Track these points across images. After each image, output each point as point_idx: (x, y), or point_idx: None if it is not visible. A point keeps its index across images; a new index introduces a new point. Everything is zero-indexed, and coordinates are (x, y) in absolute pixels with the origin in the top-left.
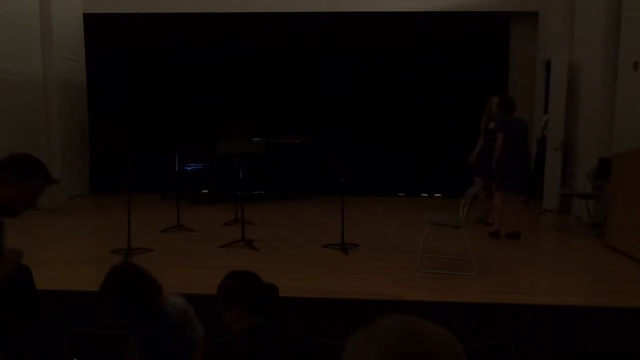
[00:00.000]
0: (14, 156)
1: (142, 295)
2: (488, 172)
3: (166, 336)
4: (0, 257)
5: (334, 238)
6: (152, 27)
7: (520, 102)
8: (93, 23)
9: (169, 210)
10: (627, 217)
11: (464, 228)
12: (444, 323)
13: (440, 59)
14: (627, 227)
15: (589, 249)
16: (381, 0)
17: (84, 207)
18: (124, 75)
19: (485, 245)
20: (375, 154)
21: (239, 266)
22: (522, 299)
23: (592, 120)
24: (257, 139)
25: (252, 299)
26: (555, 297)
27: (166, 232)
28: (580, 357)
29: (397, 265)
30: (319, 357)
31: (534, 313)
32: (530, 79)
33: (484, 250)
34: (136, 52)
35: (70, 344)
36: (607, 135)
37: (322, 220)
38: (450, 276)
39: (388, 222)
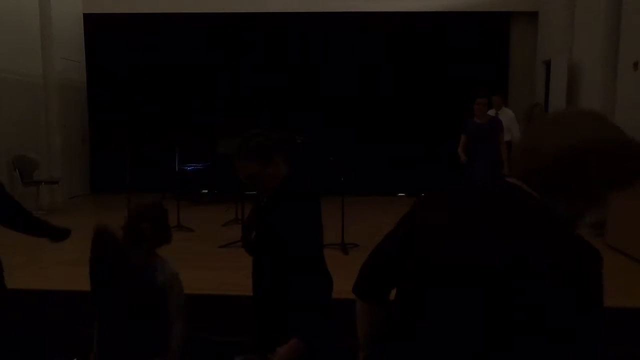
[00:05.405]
0: None
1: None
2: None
3: (149, 294)
4: None
5: (334, 238)
6: (152, 27)
7: (521, 102)
8: (93, 23)
9: (169, 210)
10: (627, 217)
11: None
12: None
13: (440, 59)
14: (627, 227)
15: None
16: (382, 1)
17: (84, 207)
18: (124, 75)
19: None
20: (375, 153)
21: (239, 266)
22: None
23: None
24: None
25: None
26: None
27: None
28: None
29: None
30: None
31: None
32: (530, 79)
33: None
34: (136, 52)
35: (71, 344)
36: None
37: (321, 219)
38: None
39: (388, 222)
